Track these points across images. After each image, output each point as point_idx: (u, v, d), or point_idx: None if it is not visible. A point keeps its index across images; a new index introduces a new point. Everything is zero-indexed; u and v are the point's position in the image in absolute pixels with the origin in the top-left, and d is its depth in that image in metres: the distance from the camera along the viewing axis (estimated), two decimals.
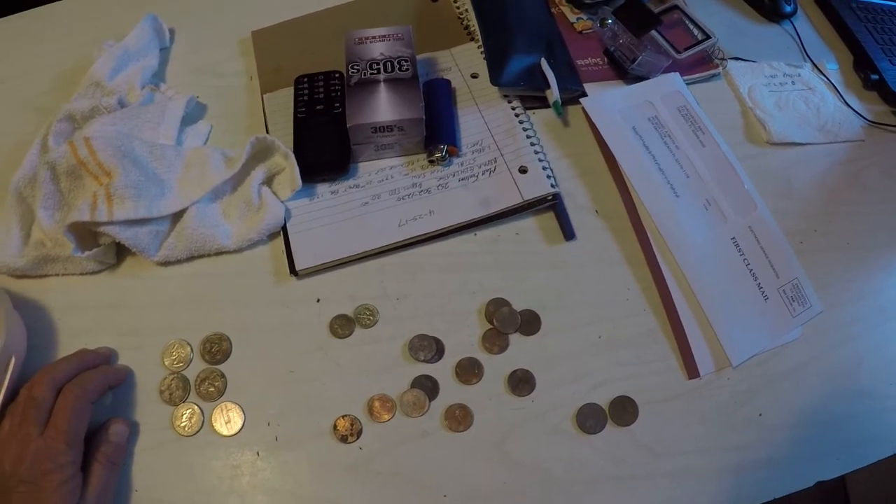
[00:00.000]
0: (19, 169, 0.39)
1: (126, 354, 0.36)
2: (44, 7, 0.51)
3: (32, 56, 0.49)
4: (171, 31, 0.50)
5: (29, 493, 0.28)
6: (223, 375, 0.36)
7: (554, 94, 0.42)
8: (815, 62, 0.51)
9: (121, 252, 0.39)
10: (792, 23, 0.53)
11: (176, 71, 0.48)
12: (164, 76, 0.48)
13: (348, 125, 0.38)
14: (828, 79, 0.50)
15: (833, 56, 0.52)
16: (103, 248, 0.38)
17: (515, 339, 0.37)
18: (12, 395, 0.32)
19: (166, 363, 0.36)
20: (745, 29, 0.53)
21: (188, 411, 0.35)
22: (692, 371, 0.36)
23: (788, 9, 0.52)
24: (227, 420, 0.34)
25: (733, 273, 0.39)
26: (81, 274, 0.38)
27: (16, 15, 0.51)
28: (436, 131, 0.41)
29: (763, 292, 0.39)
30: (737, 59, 0.49)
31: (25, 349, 0.35)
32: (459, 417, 0.34)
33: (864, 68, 0.50)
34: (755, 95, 0.47)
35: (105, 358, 0.35)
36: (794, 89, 0.49)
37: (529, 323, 0.37)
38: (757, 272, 0.39)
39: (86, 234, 0.38)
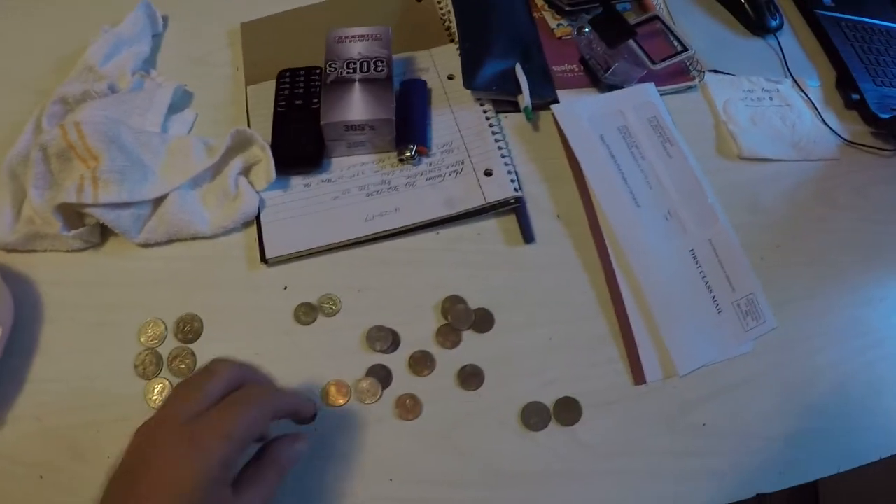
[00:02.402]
0: (13, 148, 0.41)
1: (105, 329, 0.38)
2: None
3: (31, 37, 0.50)
4: (165, 18, 0.51)
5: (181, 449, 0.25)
6: (194, 354, 0.37)
7: (525, 99, 0.43)
8: (796, 78, 0.51)
9: (105, 232, 0.41)
10: (777, 37, 0.53)
11: (167, 58, 0.50)
12: (154, 63, 0.49)
13: (321, 123, 0.40)
14: (807, 96, 0.50)
15: (815, 73, 0.52)
16: (88, 228, 0.40)
17: (468, 335, 0.38)
18: None
19: (142, 340, 0.38)
20: (729, 42, 0.53)
21: (160, 386, 0.37)
22: (639, 377, 0.37)
23: (774, 23, 0.52)
24: None
25: (688, 284, 0.40)
26: (68, 251, 0.40)
27: None
28: (407, 131, 0.42)
29: (717, 305, 0.40)
30: (715, 71, 0.50)
31: (12, 319, 0.37)
32: (410, 406, 0.36)
33: (845, 87, 0.50)
34: (730, 109, 0.48)
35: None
36: (770, 105, 0.49)
37: (483, 321, 0.38)
38: (712, 285, 0.40)
39: (72, 214, 0.40)
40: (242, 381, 0.29)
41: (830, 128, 0.49)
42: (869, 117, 0.49)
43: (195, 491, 0.24)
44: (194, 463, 0.25)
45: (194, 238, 0.41)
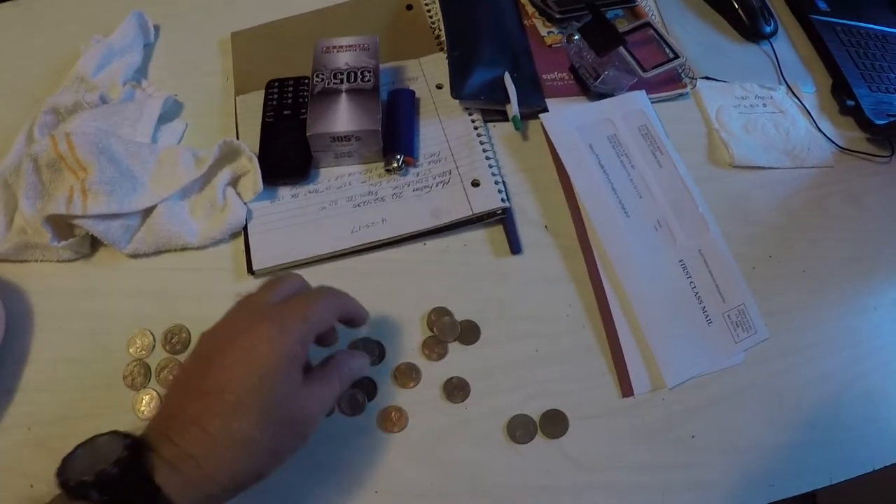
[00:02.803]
0: (6, 157, 0.42)
1: (95, 339, 0.38)
2: None
3: (25, 45, 0.51)
4: (157, 28, 0.51)
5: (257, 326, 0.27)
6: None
7: (513, 108, 0.43)
8: (791, 84, 0.50)
9: (94, 243, 0.41)
10: (771, 43, 0.52)
11: (158, 68, 0.50)
12: (146, 72, 0.50)
13: (307, 134, 0.40)
14: (801, 102, 0.49)
15: (811, 79, 0.52)
16: (78, 238, 0.40)
17: (455, 347, 0.38)
18: None
19: (131, 350, 0.38)
20: (722, 48, 0.53)
21: (147, 397, 0.37)
22: (626, 389, 0.37)
23: (768, 29, 0.52)
24: None
25: (677, 295, 0.40)
26: (58, 261, 0.40)
27: (9, 3, 0.53)
28: (394, 141, 0.42)
29: (707, 316, 0.39)
30: (708, 78, 0.49)
31: (3, 329, 0.38)
32: (395, 419, 0.36)
33: (840, 93, 0.50)
34: (722, 117, 0.47)
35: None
36: (764, 112, 0.48)
37: (469, 333, 0.38)
38: (702, 295, 0.40)
39: (63, 225, 0.40)
40: (303, 288, 0.32)
41: (825, 134, 0.48)
42: (864, 123, 0.48)
43: (279, 360, 0.27)
44: (277, 338, 0.27)
45: (183, 249, 0.41)
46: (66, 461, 0.25)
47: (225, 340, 0.28)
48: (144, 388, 0.37)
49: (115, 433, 0.25)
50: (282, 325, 0.28)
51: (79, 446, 0.25)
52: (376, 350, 0.37)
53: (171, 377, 0.30)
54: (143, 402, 0.37)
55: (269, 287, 0.31)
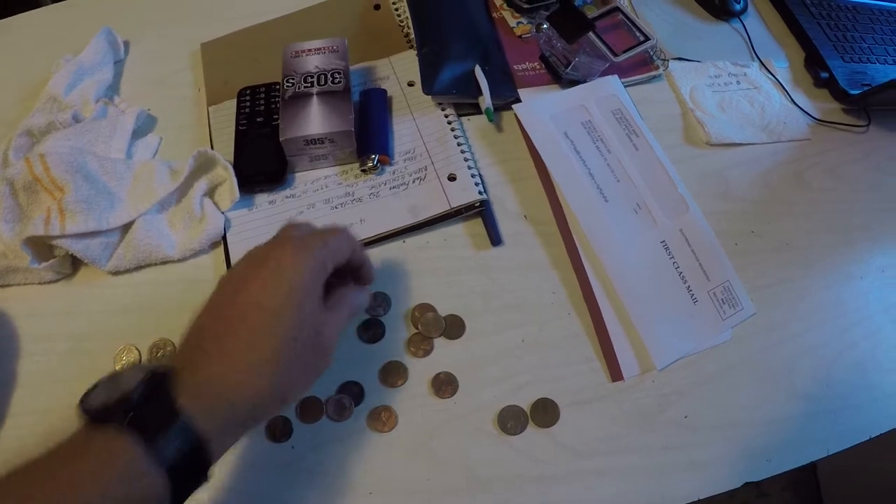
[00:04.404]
0: None
1: (81, 359, 0.38)
2: (5, 20, 0.53)
3: None
4: (126, 44, 0.51)
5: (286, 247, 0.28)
6: None
7: (486, 101, 0.43)
8: (763, 60, 0.50)
9: (76, 263, 0.41)
10: (741, 20, 0.53)
11: (130, 83, 0.50)
12: (118, 88, 0.49)
13: (281, 139, 0.40)
14: (775, 77, 0.49)
15: (783, 54, 0.52)
16: (59, 259, 0.40)
17: (440, 342, 0.38)
18: None
19: (117, 367, 0.38)
20: (693, 28, 0.53)
21: None
22: (616, 374, 0.37)
23: (738, 6, 0.52)
24: None
25: (661, 276, 0.40)
26: (40, 283, 0.40)
27: None
28: (368, 141, 0.42)
29: (692, 295, 0.39)
30: (680, 59, 0.49)
31: None
32: (385, 419, 0.36)
33: (814, 66, 0.50)
34: (697, 96, 0.47)
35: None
36: (738, 89, 0.48)
37: (454, 327, 0.38)
38: (686, 275, 0.40)
39: (42, 247, 0.40)
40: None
41: (800, 108, 0.48)
42: (839, 94, 0.48)
43: (304, 279, 0.27)
44: (302, 258, 0.28)
45: (163, 262, 0.41)
46: (88, 393, 0.24)
47: (252, 266, 0.28)
48: None
49: (136, 365, 0.25)
50: (305, 247, 0.28)
51: (100, 380, 0.25)
52: (383, 301, 0.38)
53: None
54: None
55: (299, 222, 0.32)
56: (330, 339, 0.29)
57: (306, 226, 0.32)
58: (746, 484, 0.36)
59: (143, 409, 0.23)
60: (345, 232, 0.31)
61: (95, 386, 0.25)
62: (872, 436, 0.37)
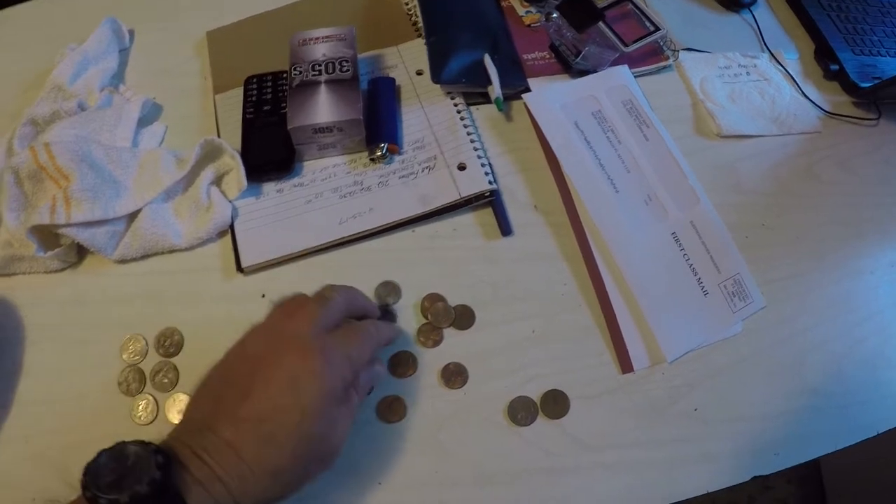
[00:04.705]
0: None
1: (87, 347, 0.37)
2: (8, 10, 0.53)
3: (0, 61, 0.50)
4: (131, 33, 0.51)
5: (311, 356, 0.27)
6: (176, 368, 0.37)
7: (496, 90, 0.42)
8: (773, 52, 0.50)
9: (81, 251, 0.40)
10: (751, 11, 0.52)
11: (134, 72, 0.49)
12: (123, 77, 0.49)
13: (289, 127, 0.39)
14: (785, 69, 0.49)
15: (793, 45, 0.51)
16: (64, 248, 0.39)
17: (450, 333, 0.37)
18: None
19: (124, 356, 0.37)
20: (703, 19, 0.52)
21: (144, 402, 0.36)
22: (626, 366, 0.37)
23: None
24: (180, 409, 0.36)
25: (672, 268, 0.39)
26: (46, 272, 0.40)
27: None
28: (377, 130, 0.41)
29: (703, 287, 0.39)
30: (690, 50, 0.49)
31: None
32: (394, 409, 0.35)
33: (824, 58, 0.49)
34: (707, 87, 0.47)
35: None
36: (748, 80, 0.48)
37: (464, 317, 0.38)
38: (697, 267, 0.40)
39: (48, 235, 0.40)
40: (351, 306, 0.32)
41: (811, 100, 0.48)
42: (849, 87, 0.48)
43: (322, 399, 0.27)
44: (324, 376, 0.27)
45: (170, 251, 0.40)
46: (91, 469, 0.24)
47: (269, 364, 0.27)
48: (140, 393, 0.36)
49: (143, 444, 0.24)
50: (329, 362, 0.28)
51: (104, 452, 0.24)
52: (393, 290, 0.38)
53: (203, 379, 0.29)
54: (140, 407, 0.36)
55: (314, 312, 0.30)
56: (338, 446, 0.29)
57: (335, 311, 0.31)
58: (754, 477, 0.36)
59: None
60: (370, 335, 0.31)
61: (99, 458, 0.24)
62: (880, 431, 0.37)
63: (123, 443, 0.24)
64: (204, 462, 0.25)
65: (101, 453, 0.24)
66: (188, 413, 0.29)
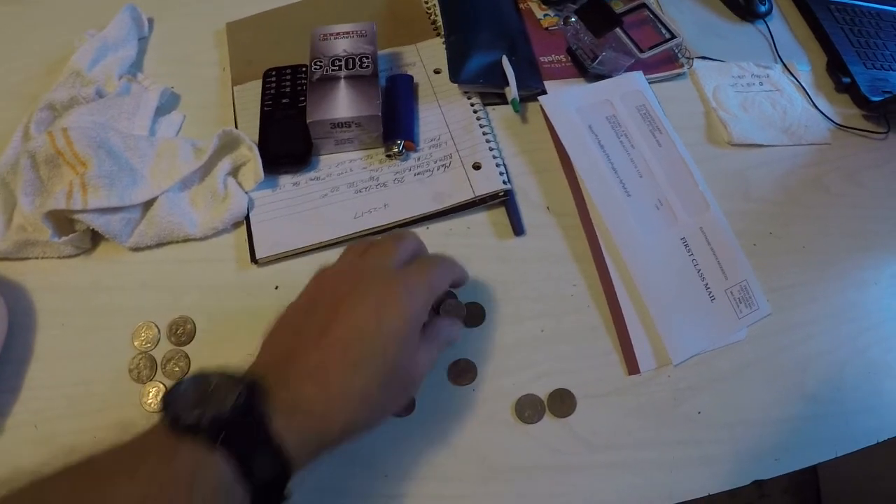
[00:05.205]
0: (2, 155, 0.42)
1: (99, 334, 0.38)
2: None
3: (18, 43, 0.50)
4: (150, 21, 0.51)
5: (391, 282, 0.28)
6: (187, 356, 0.37)
7: (512, 91, 0.43)
8: (786, 63, 0.51)
9: (95, 237, 0.41)
10: (766, 23, 0.53)
11: (153, 60, 0.49)
12: (141, 65, 0.49)
13: (308, 121, 0.40)
14: (797, 80, 0.50)
15: (806, 57, 0.52)
16: (79, 233, 0.40)
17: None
18: None
19: (135, 343, 0.38)
20: (718, 28, 0.53)
21: (154, 389, 0.37)
22: (633, 367, 0.37)
23: (763, 8, 0.52)
24: None
25: (680, 273, 0.40)
26: (59, 257, 0.40)
27: (1, 4, 0.52)
28: (394, 126, 0.42)
29: (710, 293, 0.40)
30: (704, 58, 0.49)
31: (7, 327, 0.37)
32: None
33: (836, 71, 0.50)
34: (720, 96, 0.47)
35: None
36: (760, 90, 0.48)
37: (474, 315, 0.38)
38: (705, 273, 0.40)
39: (63, 221, 0.40)
40: (420, 250, 0.33)
41: (822, 112, 0.48)
42: (860, 100, 0.49)
43: (406, 325, 0.27)
44: (406, 303, 0.28)
45: (185, 240, 0.41)
46: (173, 394, 0.24)
47: (351, 294, 0.28)
48: (151, 380, 0.37)
49: (225, 373, 0.24)
50: (410, 289, 0.28)
51: (186, 379, 0.24)
52: (478, 311, 0.38)
53: (279, 317, 0.30)
54: (150, 394, 0.36)
55: (390, 248, 0.31)
56: (420, 377, 0.29)
57: (408, 248, 0.31)
58: (754, 482, 0.36)
59: (238, 428, 0.23)
60: (446, 264, 0.32)
61: (180, 384, 0.24)
62: (880, 440, 0.38)
63: (206, 371, 0.25)
64: (289, 390, 0.25)
65: (183, 380, 0.24)
66: (266, 349, 0.28)
